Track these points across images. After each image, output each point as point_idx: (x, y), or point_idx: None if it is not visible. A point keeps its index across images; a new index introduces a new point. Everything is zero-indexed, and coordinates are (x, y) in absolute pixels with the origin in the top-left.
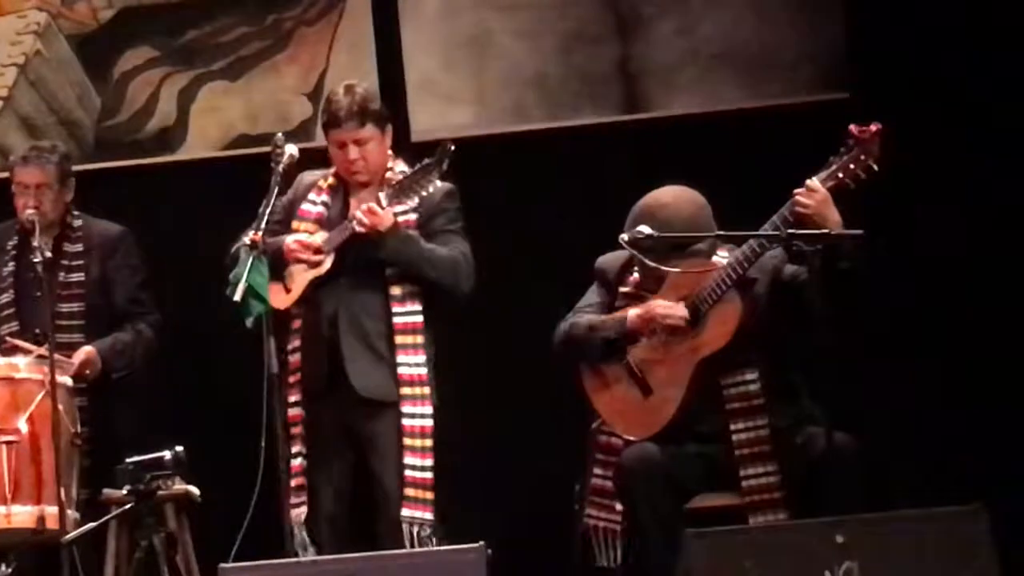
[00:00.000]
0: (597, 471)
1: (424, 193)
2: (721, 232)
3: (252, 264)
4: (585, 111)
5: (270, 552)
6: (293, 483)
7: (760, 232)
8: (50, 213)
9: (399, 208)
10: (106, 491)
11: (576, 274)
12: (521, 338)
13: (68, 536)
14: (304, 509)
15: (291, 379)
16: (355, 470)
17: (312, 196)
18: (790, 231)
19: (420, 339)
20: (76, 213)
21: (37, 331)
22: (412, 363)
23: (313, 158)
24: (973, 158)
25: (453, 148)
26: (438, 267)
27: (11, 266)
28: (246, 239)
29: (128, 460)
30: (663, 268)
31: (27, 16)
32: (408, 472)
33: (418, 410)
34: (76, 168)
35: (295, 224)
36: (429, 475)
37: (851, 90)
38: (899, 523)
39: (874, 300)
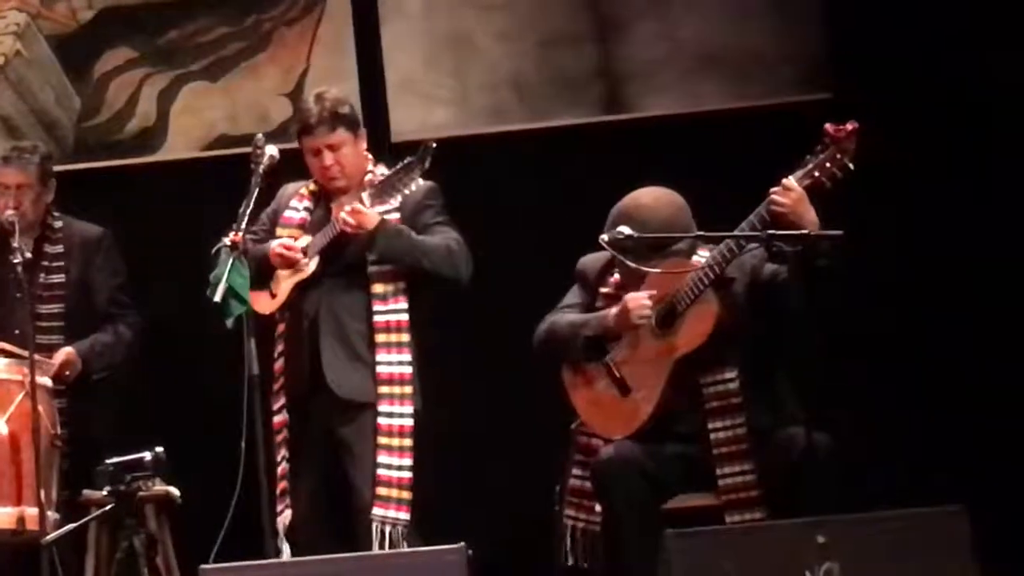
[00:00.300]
0: (576, 472)
1: (406, 191)
2: (702, 232)
3: (232, 265)
4: (565, 112)
5: (250, 553)
6: (280, 488)
7: (740, 232)
8: (30, 214)
9: (382, 208)
10: (86, 492)
11: (556, 275)
12: (501, 338)
13: (48, 537)
14: (288, 514)
15: (276, 385)
16: (334, 472)
17: (294, 203)
18: (770, 231)
19: (404, 337)
20: (56, 214)
21: (17, 332)
22: (394, 362)
23: (293, 158)
24: (956, 157)
25: (435, 147)
26: (433, 256)
27: None
28: (226, 240)
29: (108, 461)
30: (643, 268)
31: (6, 17)
32: (382, 471)
33: (396, 409)
34: (56, 169)
35: (279, 231)
36: (407, 475)
37: (833, 90)
38: (880, 523)
39: (853, 299)
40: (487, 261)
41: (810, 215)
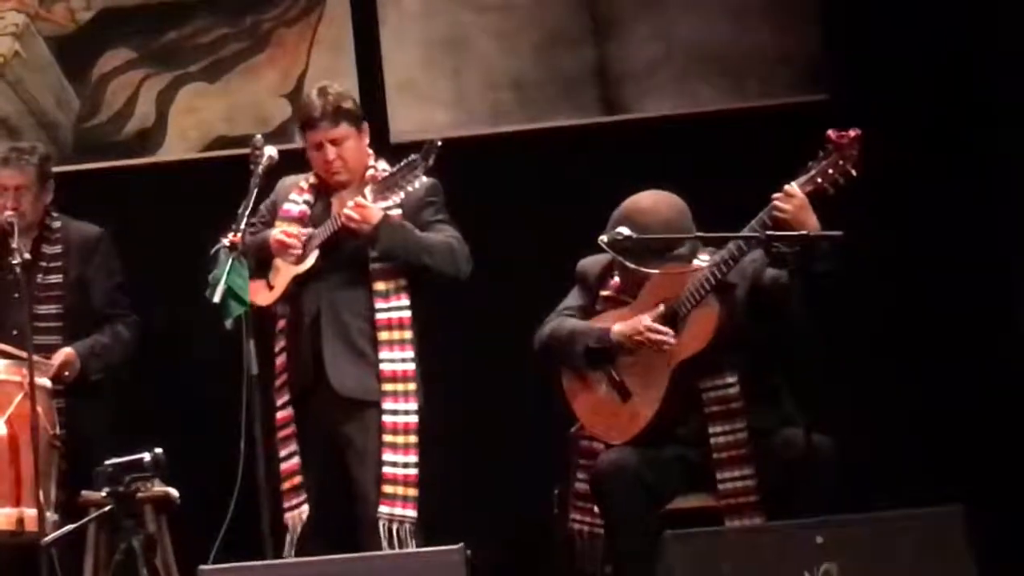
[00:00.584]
0: (580, 476)
1: (409, 189)
2: (701, 234)
3: (232, 266)
4: (562, 113)
5: (250, 554)
6: (289, 484)
7: (739, 234)
8: (29, 215)
9: (383, 204)
10: (85, 493)
11: (555, 276)
12: (500, 340)
13: (47, 538)
14: (305, 508)
15: (278, 380)
16: (336, 471)
17: (294, 196)
18: (769, 233)
19: (407, 335)
20: (55, 215)
21: (15, 332)
22: (397, 359)
23: (292, 159)
24: (953, 158)
25: (440, 144)
26: (434, 254)
27: None
28: (225, 241)
29: (107, 462)
30: (643, 270)
31: (5, 17)
32: (387, 469)
33: (401, 407)
34: (55, 169)
35: (278, 224)
36: (412, 472)
37: (830, 91)
38: (878, 524)
39: (852, 301)
40: (487, 262)
41: (812, 221)
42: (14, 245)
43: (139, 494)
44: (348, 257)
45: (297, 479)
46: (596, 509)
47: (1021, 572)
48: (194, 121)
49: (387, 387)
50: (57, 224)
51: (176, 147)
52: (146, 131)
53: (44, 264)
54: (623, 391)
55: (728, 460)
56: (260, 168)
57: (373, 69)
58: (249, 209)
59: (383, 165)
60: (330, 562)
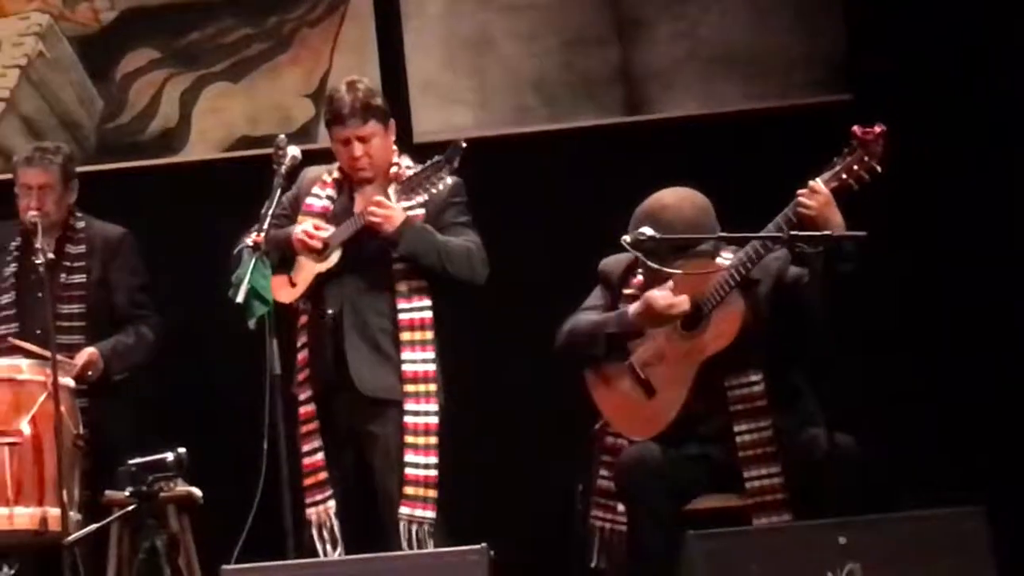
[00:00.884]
0: (603, 472)
1: (433, 191)
2: (724, 234)
3: (255, 265)
4: (586, 113)
5: (272, 553)
6: (312, 480)
7: (763, 234)
8: (53, 214)
9: (407, 204)
10: (108, 493)
11: (578, 276)
12: (524, 339)
13: (70, 538)
14: (331, 503)
15: (300, 376)
16: (356, 469)
17: (316, 190)
18: (792, 232)
19: (428, 335)
20: (79, 214)
21: (39, 332)
22: (419, 359)
23: (315, 159)
24: (975, 156)
25: (464, 146)
26: (453, 259)
27: (13, 267)
28: (248, 240)
29: (130, 462)
30: (666, 270)
31: (29, 18)
32: (409, 470)
33: (422, 407)
34: (79, 169)
35: (300, 219)
36: (433, 472)
37: (853, 91)
38: (901, 524)
39: (875, 300)
40: (509, 262)
41: (836, 218)
42: (38, 245)
43: (162, 493)
44: (371, 256)
45: (322, 475)
46: (619, 507)
47: None
48: (217, 121)
49: (408, 387)
50: (81, 224)
51: (199, 147)
52: (169, 131)
53: (67, 264)
54: (648, 388)
55: (754, 458)
56: (283, 168)
57: (396, 69)
58: (272, 209)
59: (407, 162)
60: (352, 561)
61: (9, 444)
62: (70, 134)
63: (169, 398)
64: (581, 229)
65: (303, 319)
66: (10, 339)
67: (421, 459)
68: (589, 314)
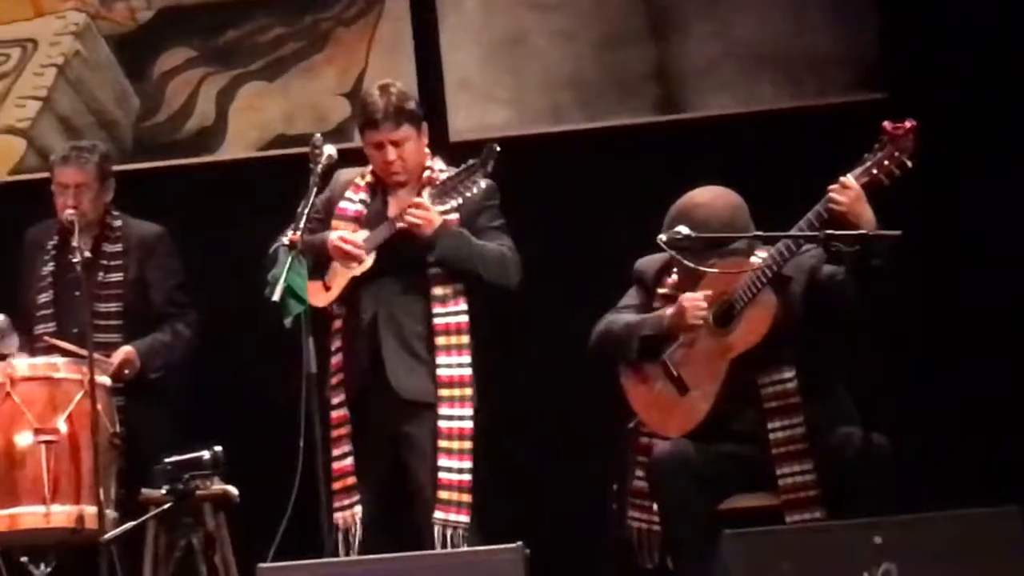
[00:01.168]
0: (639, 473)
1: (468, 195)
2: (759, 232)
3: (291, 264)
4: (621, 112)
5: (308, 552)
6: (340, 484)
7: (799, 233)
8: (89, 213)
9: (441, 207)
10: (144, 491)
11: (613, 275)
12: (559, 339)
13: (107, 536)
14: (357, 509)
15: (334, 380)
16: (392, 472)
17: (350, 194)
18: (828, 231)
19: (464, 339)
20: (115, 213)
21: (76, 331)
22: (453, 364)
23: (351, 158)
24: (1011, 156)
25: (499, 149)
26: (488, 263)
27: (50, 266)
28: (285, 239)
29: (166, 460)
30: (701, 268)
31: (66, 17)
32: (443, 474)
33: (456, 412)
34: (115, 168)
35: (334, 223)
36: (467, 477)
37: (888, 90)
38: (937, 524)
39: (910, 298)
40: (544, 261)
41: (867, 214)
42: (75, 243)
43: (198, 492)
44: (406, 260)
45: (350, 479)
46: (655, 507)
47: None
48: (253, 120)
49: (443, 392)
50: (118, 223)
51: (235, 146)
52: (206, 130)
53: (104, 262)
54: (680, 385)
55: (787, 455)
56: (319, 167)
57: (432, 68)
58: (308, 208)
59: (439, 165)
60: (389, 560)
61: (46, 442)
62: (107, 133)
63: (205, 396)
64: (616, 228)
65: (337, 323)
66: (46, 338)
67: (455, 463)
68: (624, 315)
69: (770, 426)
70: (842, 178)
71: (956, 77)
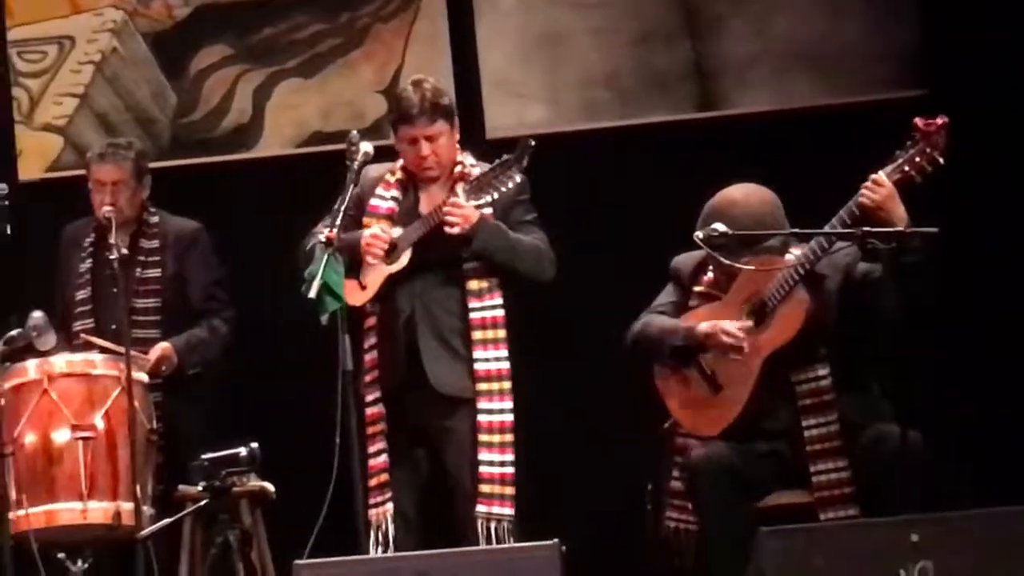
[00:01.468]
0: (675, 473)
1: (503, 189)
2: (796, 230)
3: (327, 261)
4: (658, 109)
5: (345, 548)
6: (375, 481)
7: (837, 230)
8: (126, 210)
9: (476, 203)
10: (181, 487)
11: (649, 272)
12: (595, 336)
13: (143, 532)
14: (389, 507)
15: (368, 377)
16: (430, 467)
17: (380, 191)
18: (865, 229)
19: (500, 333)
20: (152, 210)
21: (113, 327)
22: (491, 358)
23: (388, 155)
24: None
25: (534, 144)
26: (525, 257)
27: (88, 263)
28: (321, 236)
29: (203, 456)
30: (737, 266)
31: (103, 14)
32: (484, 468)
33: (496, 405)
34: (152, 165)
35: (366, 220)
36: (509, 470)
37: (928, 87)
38: (975, 522)
39: (946, 296)
40: (580, 258)
41: (899, 210)
42: (112, 240)
43: (235, 488)
44: (441, 255)
45: (384, 476)
46: (691, 506)
47: None
48: (290, 117)
49: (482, 386)
50: (155, 219)
51: (272, 143)
52: (242, 127)
53: (142, 259)
54: (714, 384)
55: (821, 453)
56: (356, 164)
57: (469, 65)
58: (345, 204)
59: (470, 160)
60: (426, 557)
61: (83, 439)
62: (144, 130)
63: (242, 393)
64: (652, 225)
65: (370, 321)
66: (83, 335)
67: (496, 456)
68: (659, 318)
69: (804, 423)
70: (873, 175)
71: (997, 74)
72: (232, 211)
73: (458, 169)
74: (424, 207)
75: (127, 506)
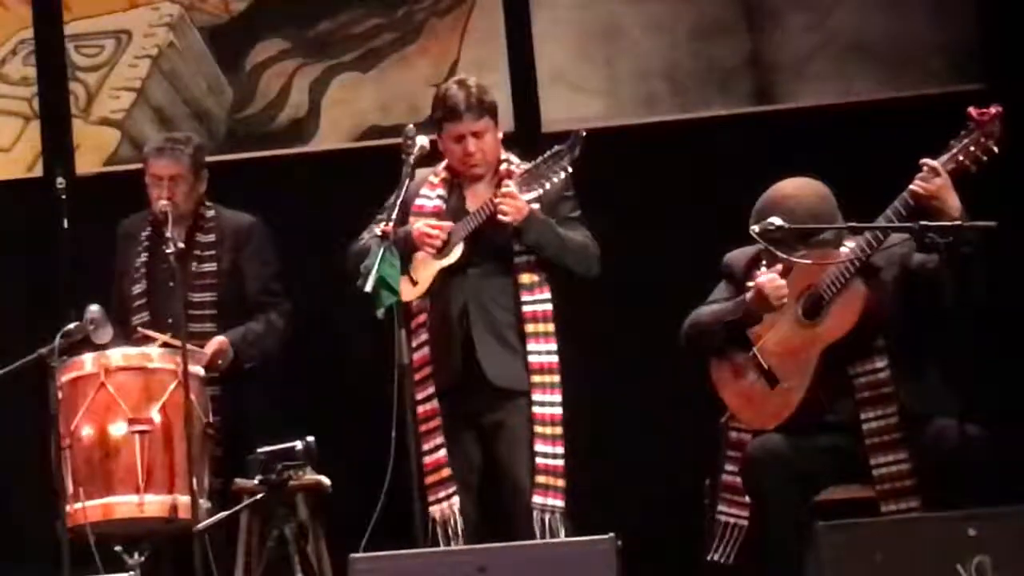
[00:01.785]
0: (728, 467)
1: (555, 180)
2: (854, 223)
3: (383, 255)
4: (715, 103)
5: (401, 542)
6: (435, 477)
7: (895, 224)
8: (183, 204)
9: (528, 196)
10: (238, 481)
11: (707, 266)
12: (652, 330)
13: (200, 525)
14: (455, 500)
15: (419, 375)
16: (483, 461)
17: (425, 191)
18: (923, 223)
19: (551, 327)
20: (209, 204)
21: (170, 321)
22: (543, 351)
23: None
24: None
25: (584, 134)
26: (574, 251)
27: (144, 257)
28: (377, 230)
29: (260, 450)
30: (793, 259)
31: (160, 8)
32: (539, 459)
33: (547, 398)
34: (208, 159)
35: (412, 220)
36: (560, 462)
37: (986, 80)
38: None
39: (1006, 288)
40: (637, 252)
41: (954, 200)
42: (168, 234)
43: (291, 482)
44: (492, 250)
45: (445, 471)
46: (743, 500)
47: None
48: (347, 111)
49: (535, 378)
50: (211, 213)
51: (329, 137)
52: (299, 121)
53: (198, 253)
54: (771, 377)
55: (881, 445)
56: (412, 158)
57: (525, 59)
58: (401, 198)
59: (515, 159)
60: (483, 551)
61: (140, 432)
62: (200, 124)
63: (298, 387)
64: (710, 219)
65: (421, 317)
66: (140, 329)
67: (549, 448)
68: (711, 306)
69: (863, 416)
70: (927, 161)
71: None
72: (288, 205)
73: (504, 167)
74: (471, 205)
75: (184, 499)
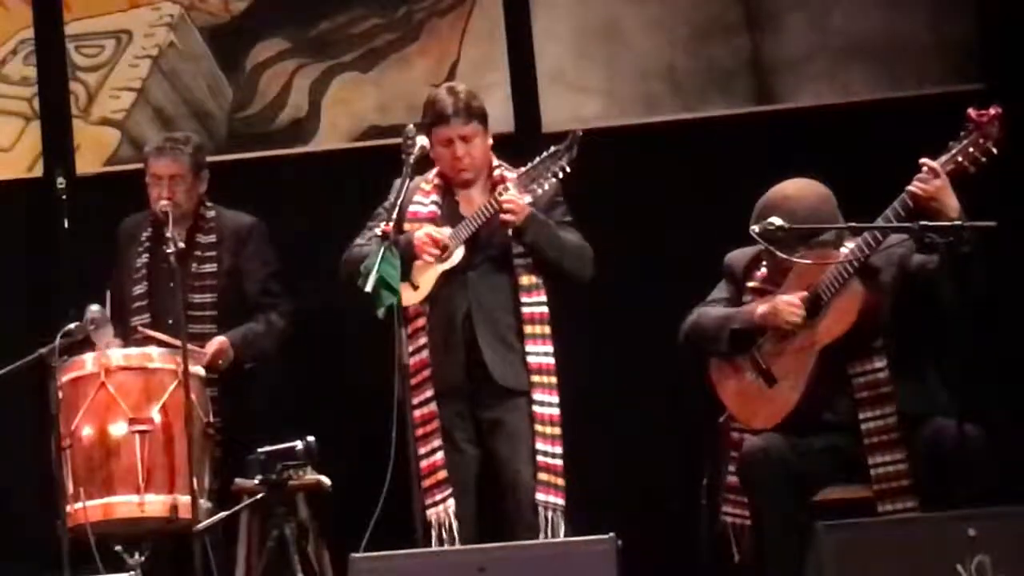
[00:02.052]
0: (730, 468)
1: (553, 179)
2: (854, 224)
3: (383, 255)
4: (715, 103)
5: (401, 542)
6: (432, 480)
7: (894, 224)
8: (183, 204)
9: (527, 197)
10: (238, 481)
11: (706, 266)
12: (650, 330)
13: (200, 525)
14: (451, 503)
15: (417, 378)
16: (482, 461)
17: (419, 197)
18: (923, 223)
19: (547, 329)
20: (209, 204)
21: (170, 321)
22: (541, 352)
23: None
24: None
25: (582, 134)
26: (571, 253)
27: (144, 257)
28: (377, 230)
29: (260, 450)
30: (793, 260)
31: (160, 8)
32: (540, 458)
33: (547, 398)
34: (208, 159)
35: (407, 226)
36: (559, 462)
37: (985, 81)
38: None
39: (1004, 288)
40: (635, 251)
41: (953, 201)
42: (168, 235)
43: (291, 482)
44: (491, 252)
45: (442, 474)
46: (746, 500)
47: None
48: (347, 111)
49: (535, 379)
50: (211, 213)
51: (329, 137)
52: (299, 121)
53: (198, 253)
54: (769, 377)
55: (879, 445)
56: (412, 158)
57: (525, 59)
58: (401, 198)
59: (507, 167)
60: (482, 551)
61: (140, 432)
62: (200, 124)
63: (298, 387)
64: (710, 219)
65: (420, 321)
66: (141, 329)
67: (549, 448)
68: (713, 309)
69: (861, 416)
70: (925, 160)
71: None
72: (288, 205)
73: (497, 173)
74: (464, 210)
75: (184, 499)
